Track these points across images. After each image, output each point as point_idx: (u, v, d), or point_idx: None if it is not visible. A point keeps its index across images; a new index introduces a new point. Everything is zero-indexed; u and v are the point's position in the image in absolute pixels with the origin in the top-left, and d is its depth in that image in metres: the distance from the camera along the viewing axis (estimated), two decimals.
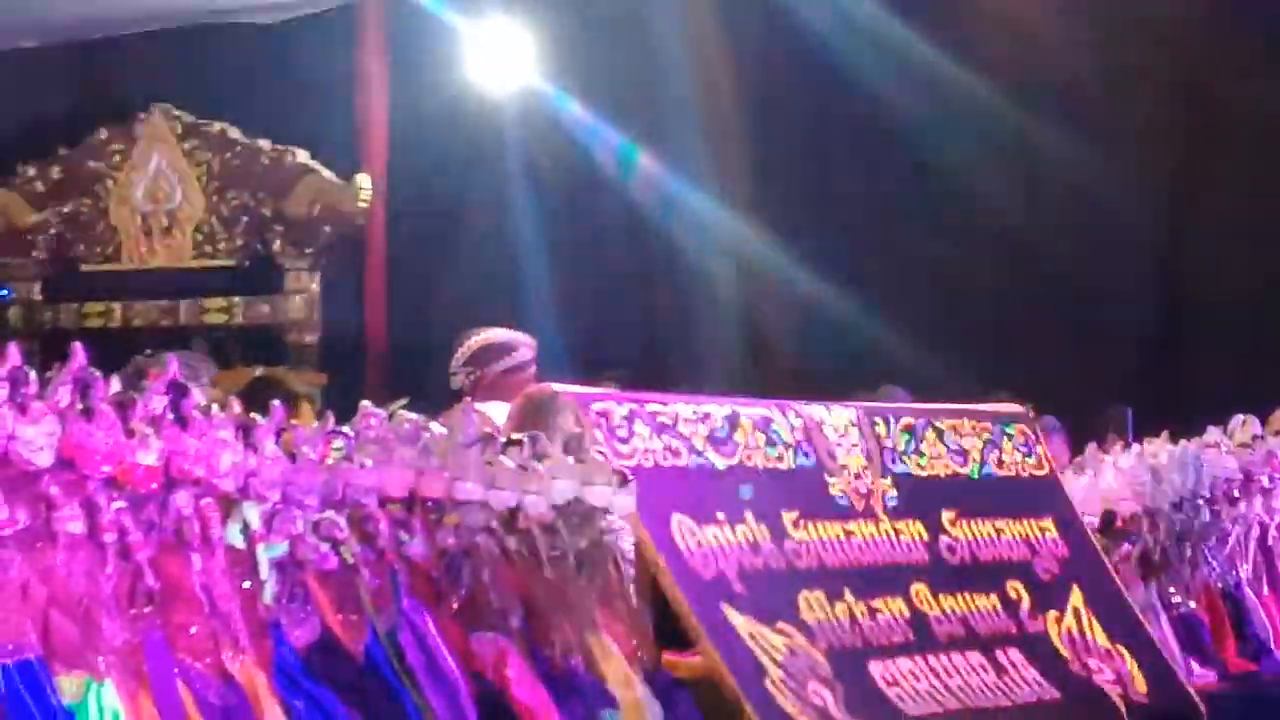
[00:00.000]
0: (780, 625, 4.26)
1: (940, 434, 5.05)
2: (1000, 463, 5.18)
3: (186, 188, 12.16)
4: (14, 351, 3.22)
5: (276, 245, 11.99)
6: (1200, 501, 5.63)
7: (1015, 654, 4.75)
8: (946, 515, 4.91)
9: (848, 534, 4.62)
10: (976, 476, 5.10)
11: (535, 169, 11.46)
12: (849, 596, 4.48)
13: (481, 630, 3.77)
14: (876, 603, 4.54)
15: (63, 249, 12.40)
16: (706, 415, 4.50)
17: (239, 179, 12.07)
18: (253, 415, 3.54)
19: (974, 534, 4.96)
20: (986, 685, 4.60)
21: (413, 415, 3.90)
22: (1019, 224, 10.39)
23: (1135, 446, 5.72)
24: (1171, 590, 5.52)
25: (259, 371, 10.37)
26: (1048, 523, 5.18)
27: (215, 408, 3.50)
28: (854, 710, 4.22)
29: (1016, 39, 10.49)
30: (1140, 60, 10.34)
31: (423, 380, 8.01)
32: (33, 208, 12.33)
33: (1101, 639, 5.00)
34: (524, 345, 6.24)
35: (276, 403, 3.65)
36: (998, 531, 5.03)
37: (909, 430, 4.96)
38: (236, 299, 12.05)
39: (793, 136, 11.10)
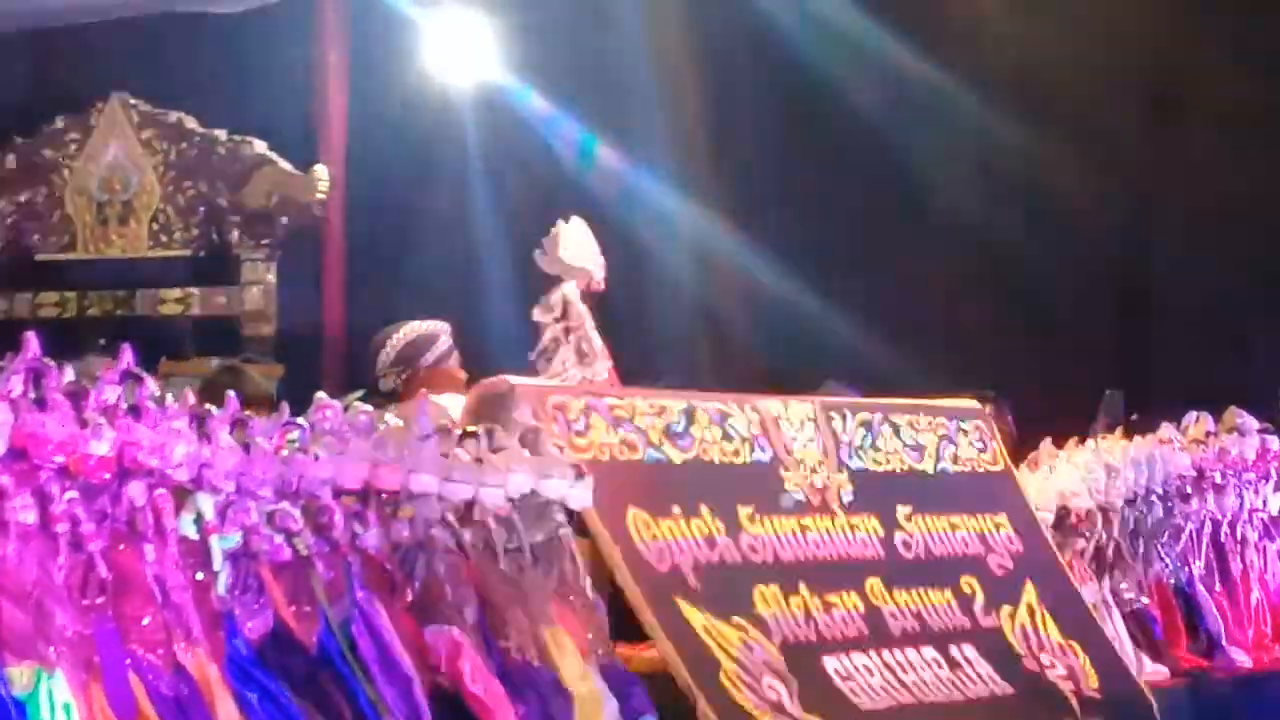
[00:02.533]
0: (735, 619, 4.26)
1: (896, 429, 5.06)
2: (956, 458, 5.20)
3: (143, 177, 12.10)
4: None
5: (233, 236, 11.94)
6: (1154, 498, 5.66)
7: (969, 649, 4.77)
8: (902, 510, 4.92)
9: (803, 528, 4.62)
10: (932, 472, 5.11)
11: (494, 161, 11.45)
12: (804, 591, 4.48)
13: (436, 623, 3.76)
14: (831, 597, 4.55)
15: (17, 238, 12.33)
16: (663, 409, 4.50)
17: (196, 169, 12.02)
18: (208, 406, 3.53)
19: (929, 529, 4.97)
20: (940, 680, 4.61)
21: (368, 407, 3.89)
22: (982, 219, 10.41)
23: (1090, 442, 5.74)
24: (1124, 586, 5.54)
25: (215, 363, 10.35)
26: (1002, 518, 5.20)
27: (169, 398, 3.48)
28: (808, 705, 4.23)
29: (981, 35, 10.52)
30: (1104, 57, 10.36)
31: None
32: None
33: (1055, 634, 5.02)
34: (443, 332, 6.25)
35: (232, 393, 3.64)
36: (953, 527, 5.04)
37: (865, 425, 4.97)
38: (193, 290, 12.00)
39: (754, 130, 11.11)
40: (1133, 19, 10.27)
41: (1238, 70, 10.04)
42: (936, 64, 10.49)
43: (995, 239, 10.32)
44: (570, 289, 5.59)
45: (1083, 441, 5.75)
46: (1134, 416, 7.31)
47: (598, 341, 5.63)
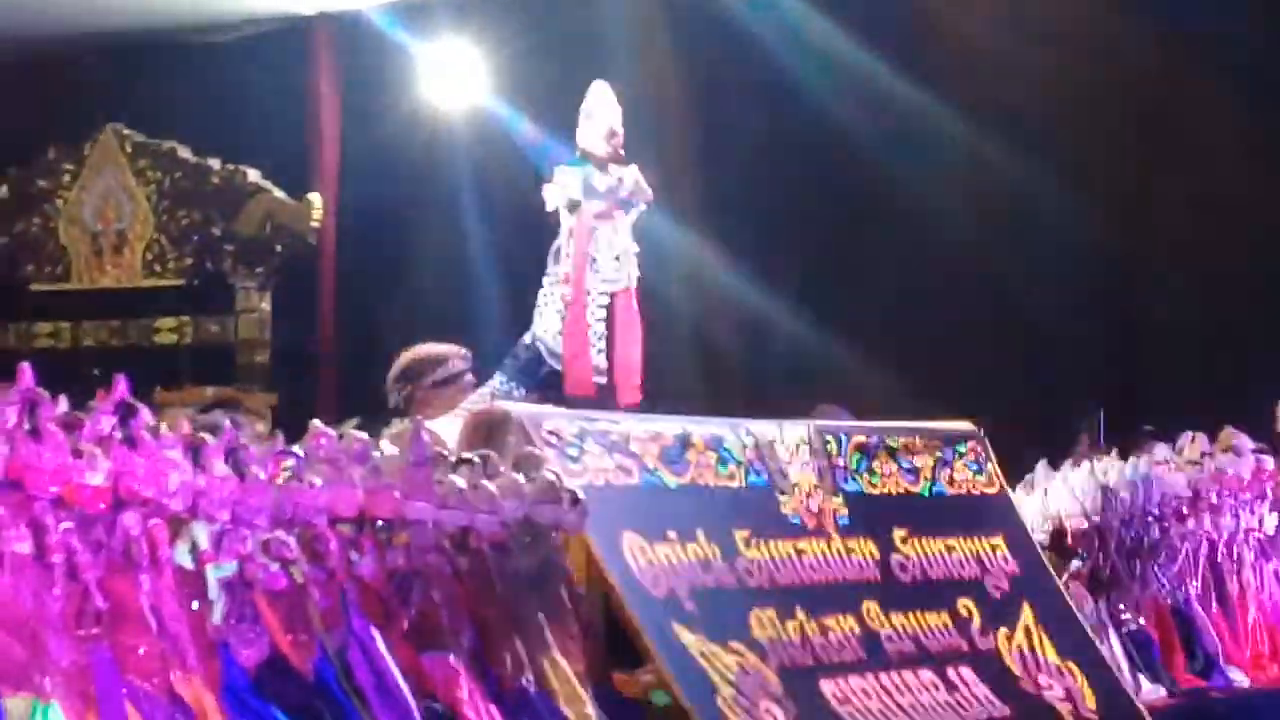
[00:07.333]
0: (732, 644, 4.26)
1: (892, 452, 5.06)
2: (951, 481, 5.20)
3: (136, 207, 12.13)
4: None
5: (227, 264, 11.96)
6: (1149, 519, 5.66)
7: (966, 671, 4.76)
8: (898, 533, 4.92)
9: (799, 552, 4.62)
10: (928, 495, 5.12)
11: (486, 187, 11.46)
12: (800, 615, 4.48)
13: (432, 650, 3.75)
14: (828, 621, 4.54)
15: (12, 268, 12.35)
16: (658, 434, 4.50)
17: (189, 198, 12.05)
18: (202, 435, 3.52)
19: (925, 552, 4.97)
20: (938, 703, 4.61)
21: (363, 434, 3.89)
22: (972, 243, 10.43)
23: (1085, 464, 5.74)
24: (1121, 607, 5.54)
25: (210, 391, 10.36)
26: (998, 540, 5.20)
27: (164, 427, 3.48)
28: None
29: (970, 61, 10.54)
30: (1093, 82, 10.39)
31: (374, 399, 7.99)
32: None
33: (1052, 656, 5.02)
34: (455, 357, 6.27)
35: (226, 422, 3.64)
36: (949, 549, 5.05)
37: (860, 449, 4.97)
38: (187, 318, 12.02)
39: (744, 156, 11.13)
40: (1121, 44, 10.30)
41: (1225, 92, 10.07)
42: (929, 91, 10.51)
43: (985, 265, 10.34)
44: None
45: (1075, 461, 5.76)
46: (1147, 428, 7.31)
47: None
